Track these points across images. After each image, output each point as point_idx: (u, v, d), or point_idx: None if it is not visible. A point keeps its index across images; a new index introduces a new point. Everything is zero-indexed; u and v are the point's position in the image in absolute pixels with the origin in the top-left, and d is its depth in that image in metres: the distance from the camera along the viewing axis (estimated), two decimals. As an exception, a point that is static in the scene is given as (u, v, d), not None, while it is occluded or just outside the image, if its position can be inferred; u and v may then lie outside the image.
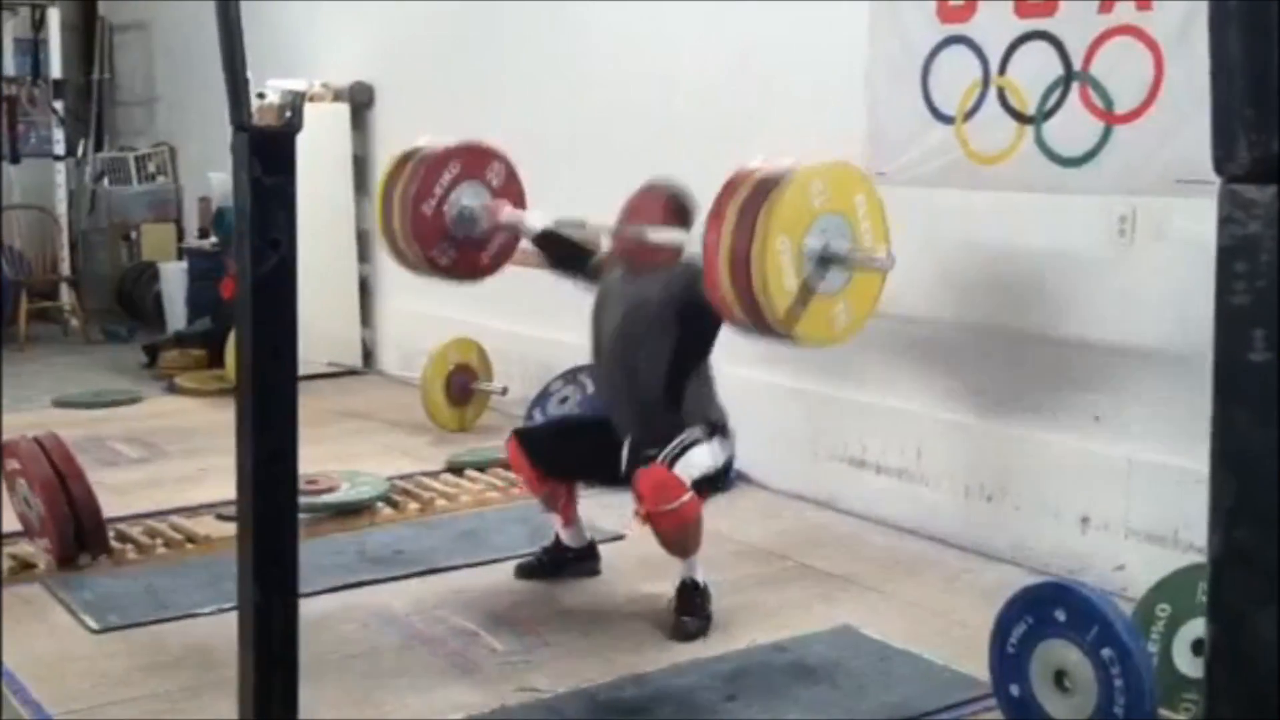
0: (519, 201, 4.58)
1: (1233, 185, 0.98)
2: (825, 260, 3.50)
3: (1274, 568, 0.96)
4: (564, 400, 6.06)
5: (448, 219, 4.47)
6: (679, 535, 4.08)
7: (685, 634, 4.09)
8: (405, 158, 4.51)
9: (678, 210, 4.23)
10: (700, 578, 4.18)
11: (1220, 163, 0.99)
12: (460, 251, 4.54)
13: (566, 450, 4.46)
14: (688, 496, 3.99)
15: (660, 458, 4.03)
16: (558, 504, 4.54)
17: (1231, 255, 0.98)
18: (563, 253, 4.55)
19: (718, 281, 3.51)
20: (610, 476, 4.32)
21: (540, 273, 6.56)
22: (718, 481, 4.21)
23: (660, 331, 4.14)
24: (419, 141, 4.57)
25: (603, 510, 4.81)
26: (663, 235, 4.17)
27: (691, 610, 4.15)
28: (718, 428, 4.21)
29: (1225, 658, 1.00)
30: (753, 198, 3.46)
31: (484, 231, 4.51)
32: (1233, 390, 1.00)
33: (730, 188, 3.53)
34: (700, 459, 4.08)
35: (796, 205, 3.46)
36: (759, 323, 3.53)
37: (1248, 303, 0.97)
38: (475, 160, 4.54)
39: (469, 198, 4.48)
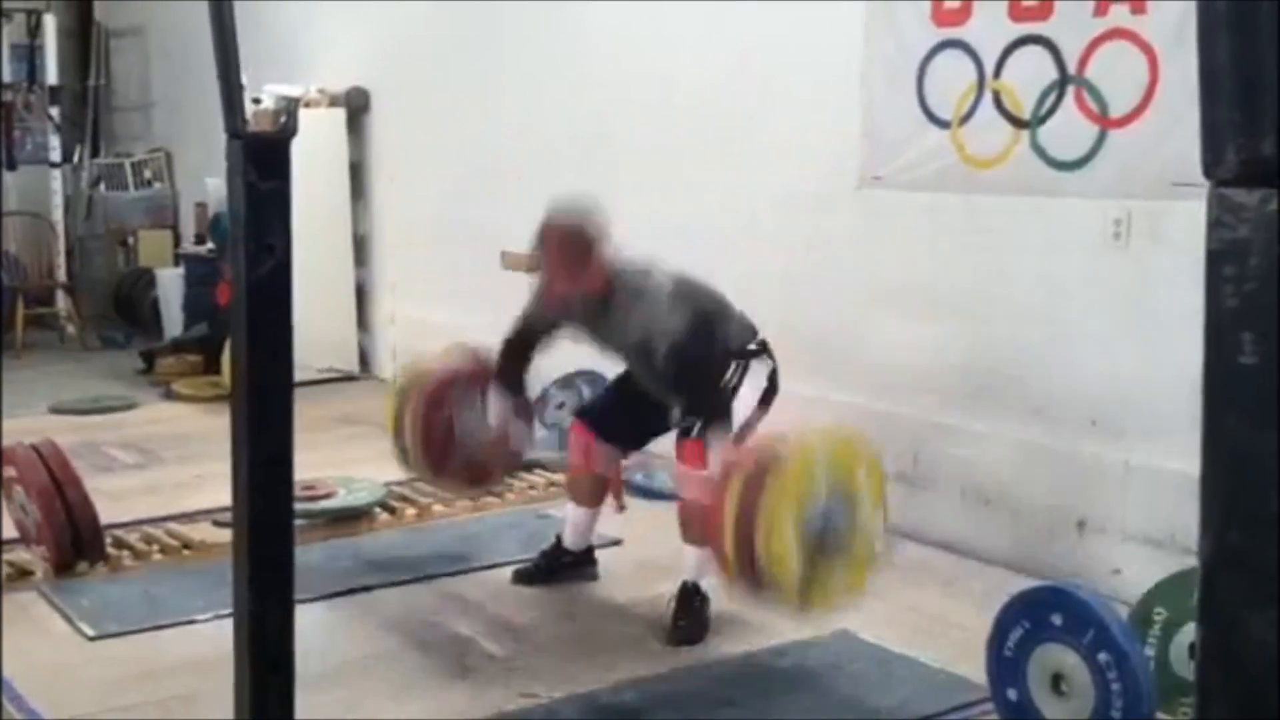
0: (526, 418, 4.66)
1: (1222, 189, 0.98)
2: (825, 535, 3.59)
3: (1266, 570, 0.97)
4: (560, 405, 6.06)
5: (458, 437, 4.58)
6: (698, 513, 4.09)
7: (680, 638, 4.09)
8: (422, 373, 4.64)
9: (574, 252, 4.11)
10: (705, 584, 4.18)
11: (1209, 167, 0.99)
12: (470, 464, 4.64)
13: (626, 417, 4.44)
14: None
15: (696, 430, 4.05)
16: (600, 492, 4.53)
17: (1221, 259, 0.99)
18: (518, 366, 4.53)
19: (723, 555, 3.62)
20: (664, 420, 4.32)
21: (536, 279, 6.56)
22: (769, 398, 4.23)
23: (657, 348, 4.09)
24: (424, 353, 4.81)
25: (601, 519, 4.80)
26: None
27: (689, 614, 4.15)
28: (750, 354, 4.21)
29: (1217, 660, 1.01)
30: (756, 474, 3.54)
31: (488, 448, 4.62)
32: (1223, 393, 1.01)
33: (732, 462, 3.65)
34: (741, 402, 4.11)
35: (800, 483, 3.55)
36: (761, 592, 3.63)
37: (1237, 306, 0.97)
38: (485, 380, 4.58)
39: (478, 417, 4.54)
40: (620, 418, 4.47)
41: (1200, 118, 1.02)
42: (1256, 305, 0.96)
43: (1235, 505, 0.99)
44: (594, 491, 4.55)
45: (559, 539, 4.63)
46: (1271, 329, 0.95)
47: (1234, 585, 0.98)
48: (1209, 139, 0.99)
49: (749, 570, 3.56)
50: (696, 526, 4.11)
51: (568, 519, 4.62)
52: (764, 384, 4.21)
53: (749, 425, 4.17)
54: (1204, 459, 1.05)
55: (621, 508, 4.57)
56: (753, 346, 4.26)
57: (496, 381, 4.47)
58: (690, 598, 4.17)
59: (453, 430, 4.57)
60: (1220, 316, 0.99)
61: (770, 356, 4.30)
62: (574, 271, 4.10)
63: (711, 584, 4.19)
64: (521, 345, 4.46)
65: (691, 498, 4.10)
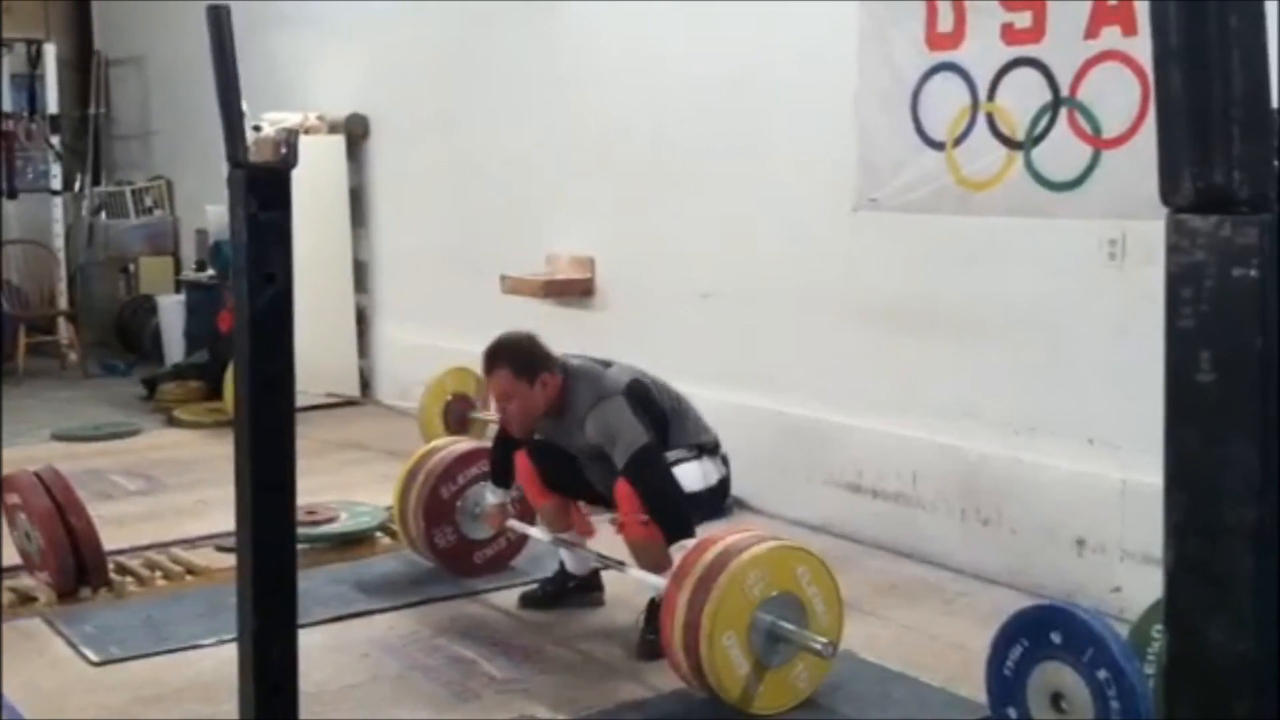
0: (527, 517, 4.82)
1: (1178, 215, 1.03)
2: (774, 639, 3.71)
3: (1225, 578, 1.00)
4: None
5: (458, 508, 4.88)
6: (642, 550, 4.17)
7: (648, 652, 4.13)
8: (438, 446, 5.01)
9: (519, 372, 4.27)
10: None
11: (1166, 194, 1.04)
12: (459, 541, 4.91)
13: (570, 466, 4.46)
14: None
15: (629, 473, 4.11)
16: (565, 520, 4.57)
17: (1179, 281, 1.03)
18: (506, 466, 4.65)
19: (677, 665, 3.76)
20: (607, 501, 4.36)
21: (535, 303, 6.62)
22: (712, 503, 4.29)
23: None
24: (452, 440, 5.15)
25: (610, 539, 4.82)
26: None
27: (657, 629, 4.18)
28: (705, 449, 4.30)
29: (1181, 665, 1.04)
30: (699, 591, 3.66)
31: (485, 533, 4.91)
32: (1182, 409, 1.05)
33: (679, 576, 3.74)
34: (684, 476, 4.17)
35: (736, 602, 3.67)
36: (719, 702, 3.73)
37: (1194, 326, 1.01)
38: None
39: (484, 496, 4.80)
40: (565, 466, 4.48)
41: (1157, 147, 1.06)
42: (1212, 325, 1.00)
43: (1194, 516, 1.03)
44: (555, 517, 4.59)
45: (562, 565, 4.65)
46: (1227, 348, 0.99)
47: (1195, 593, 1.02)
48: (1166, 168, 1.03)
49: (697, 677, 3.69)
50: (647, 558, 4.18)
51: (560, 547, 4.65)
52: (711, 483, 4.29)
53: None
54: (1165, 472, 1.09)
55: (589, 534, 4.63)
56: (709, 445, 4.36)
57: (490, 478, 4.75)
58: (657, 612, 4.20)
59: (458, 500, 4.88)
60: (1179, 336, 1.04)
61: (724, 464, 4.37)
62: (522, 395, 4.27)
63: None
64: (506, 448, 4.63)
65: (632, 538, 4.17)
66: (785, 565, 3.77)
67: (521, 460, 4.50)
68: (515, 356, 4.28)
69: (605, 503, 4.40)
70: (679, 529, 4.03)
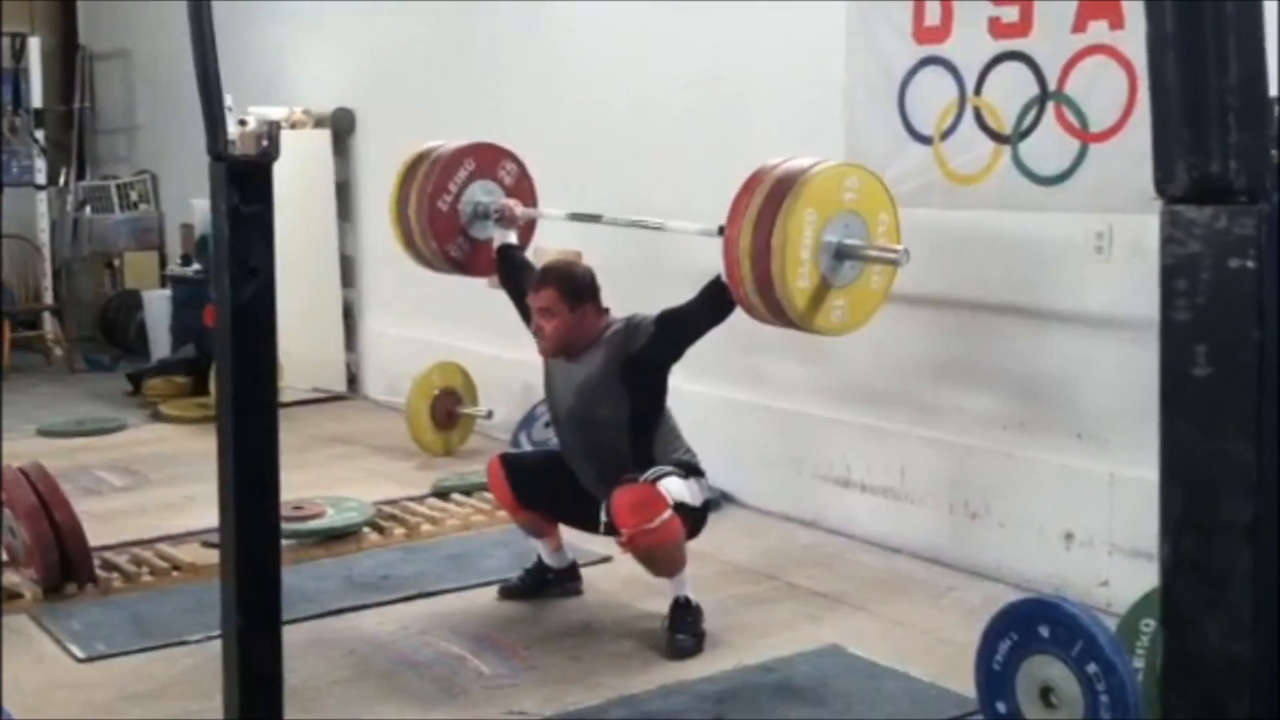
0: (530, 200, 4.78)
1: (1173, 206, 1.01)
2: (840, 254, 3.66)
3: (1222, 576, 0.99)
4: (549, 424, 6.06)
5: (462, 215, 4.71)
6: (662, 555, 4.11)
7: (681, 652, 4.10)
8: (420, 156, 4.74)
9: (570, 292, 4.26)
10: (691, 595, 4.20)
11: (1161, 185, 1.02)
12: (473, 246, 4.76)
13: (549, 487, 4.44)
14: (668, 514, 4.01)
15: (640, 479, 4.06)
16: (539, 530, 4.57)
17: (1173, 274, 1.01)
18: (514, 268, 4.64)
19: (737, 271, 3.66)
20: (588, 525, 4.34)
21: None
22: (696, 520, 4.22)
23: (613, 401, 4.19)
24: (430, 144, 4.82)
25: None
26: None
27: (685, 628, 4.16)
28: (691, 469, 4.24)
29: (1178, 664, 1.02)
30: (780, 183, 3.60)
31: (498, 228, 4.73)
32: (1177, 403, 1.03)
33: (756, 179, 3.67)
34: (678, 488, 4.10)
35: (827, 190, 3.62)
36: (768, 307, 3.66)
37: (1190, 319, 1.00)
38: (488, 159, 4.77)
39: (482, 194, 4.68)
40: (539, 478, 4.47)
41: (1151, 137, 1.04)
42: (1208, 318, 0.99)
43: (1191, 513, 1.01)
44: (530, 528, 4.59)
45: (539, 557, 4.64)
46: (1223, 340, 0.98)
47: (1192, 591, 1.00)
48: (1160, 158, 1.01)
49: (761, 276, 3.59)
50: (662, 564, 4.13)
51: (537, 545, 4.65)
52: (698, 503, 4.22)
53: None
54: (1161, 468, 1.07)
55: (558, 547, 4.62)
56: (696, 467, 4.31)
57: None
58: (683, 611, 4.18)
59: (458, 207, 4.71)
60: (1173, 329, 1.02)
61: (706, 488, 4.32)
62: (562, 315, 4.22)
63: (697, 599, 4.22)
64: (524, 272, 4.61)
65: (644, 547, 4.07)
66: (876, 198, 3.76)
67: (495, 473, 4.49)
68: (564, 280, 4.27)
69: (582, 522, 4.37)
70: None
